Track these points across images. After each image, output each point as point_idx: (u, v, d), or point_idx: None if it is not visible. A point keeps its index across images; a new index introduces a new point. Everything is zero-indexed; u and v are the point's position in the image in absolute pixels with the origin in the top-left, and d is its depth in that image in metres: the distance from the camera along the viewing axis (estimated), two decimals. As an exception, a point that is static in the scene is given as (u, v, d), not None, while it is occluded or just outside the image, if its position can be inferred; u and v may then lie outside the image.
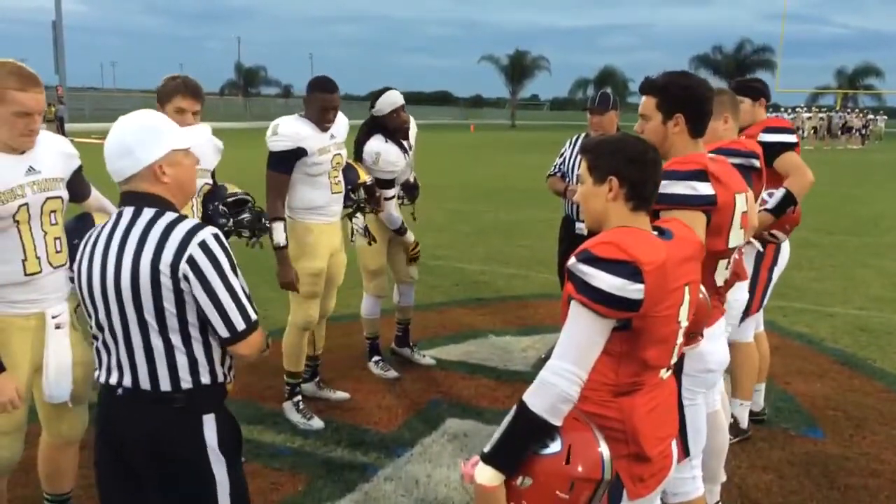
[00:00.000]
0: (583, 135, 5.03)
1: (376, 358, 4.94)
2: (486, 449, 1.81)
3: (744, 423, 4.00)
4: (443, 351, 5.38)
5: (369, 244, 4.59)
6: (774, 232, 3.73)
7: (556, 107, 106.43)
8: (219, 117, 41.71)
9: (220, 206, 3.51)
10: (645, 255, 1.75)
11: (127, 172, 1.98)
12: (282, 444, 3.90)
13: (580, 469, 1.73)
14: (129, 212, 1.99)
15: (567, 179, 4.96)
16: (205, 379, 2.00)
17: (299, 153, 3.90)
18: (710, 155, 2.52)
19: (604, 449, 1.77)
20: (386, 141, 4.57)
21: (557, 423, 1.74)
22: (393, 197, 4.68)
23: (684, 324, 1.92)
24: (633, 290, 1.72)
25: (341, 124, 4.16)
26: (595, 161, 1.94)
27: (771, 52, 57.54)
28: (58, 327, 2.73)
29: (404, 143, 4.66)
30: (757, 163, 3.05)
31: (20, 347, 2.64)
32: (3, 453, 2.67)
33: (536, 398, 1.76)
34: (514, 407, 1.80)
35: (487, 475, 1.79)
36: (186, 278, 1.90)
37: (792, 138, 3.78)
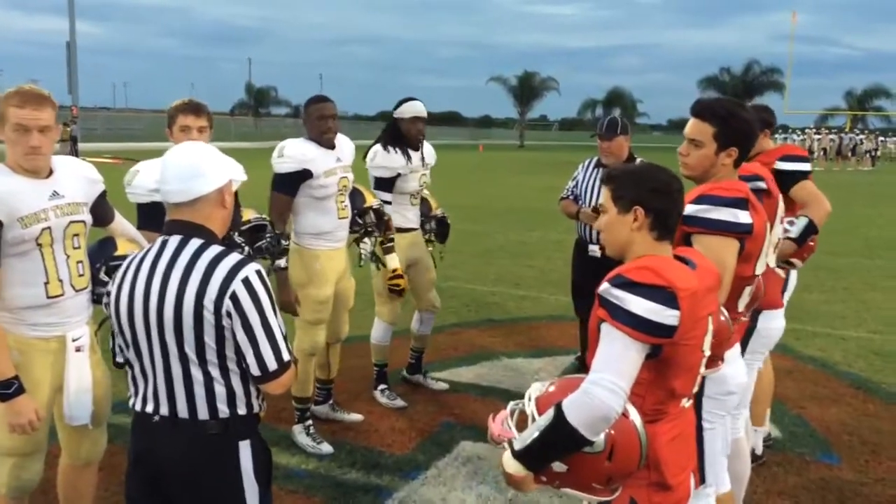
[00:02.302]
0: (595, 159, 5.05)
1: (382, 387, 4.86)
2: (517, 445, 1.81)
3: (759, 449, 3.98)
4: (455, 373, 5.38)
5: (377, 269, 4.58)
6: (793, 260, 3.74)
7: (564, 127, 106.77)
8: (230, 137, 42.04)
9: (235, 236, 3.51)
10: (680, 280, 1.77)
11: (196, 193, 2.01)
12: (296, 467, 3.91)
13: (621, 466, 1.74)
14: (175, 241, 2.02)
15: (580, 202, 4.99)
16: (241, 410, 2.03)
17: (305, 175, 3.91)
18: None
19: (642, 439, 1.77)
20: (394, 147, 4.54)
21: (594, 438, 1.74)
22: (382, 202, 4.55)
23: (707, 353, 1.93)
24: (668, 315, 1.74)
25: (347, 148, 4.19)
26: (619, 191, 1.95)
27: (779, 73, 57.55)
28: (78, 350, 2.76)
29: (413, 153, 4.62)
30: (763, 185, 3.07)
31: (41, 370, 2.67)
32: (24, 475, 2.69)
33: (575, 410, 1.73)
34: (552, 410, 1.78)
35: (515, 467, 1.81)
36: (229, 315, 1.93)
37: (807, 167, 3.79)
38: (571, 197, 5.09)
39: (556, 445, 1.76)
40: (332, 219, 4.08)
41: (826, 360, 5.90)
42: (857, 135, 41.93)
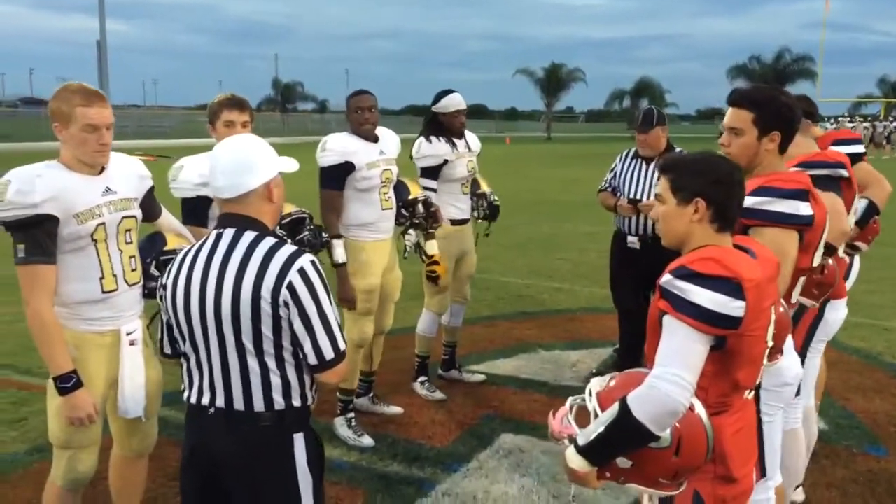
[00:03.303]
0: (632, 150, 5.03)
1: (422, 378, 4.87)
2: (581, 441, 1.80)
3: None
4: (492, 366, 5.38)
5: (422, 261, 4.59)
6: (857, 243, 3.68)
7: (591, 118, 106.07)
8: (257, 132, 42.10)
9: (277, 229, 3.53)
10: (746, 271, 1.75)
11: (246, 187, 2.03)
12: (339, 459, 3.94)
13: (688, 461, 1.73)
14: (229, 233, 2.05)
15: (618, 194, 4.96)
16: (296, 402, 2.05)
17: (348, 168, 3.95)
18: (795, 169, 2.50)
19: (709, 432, 1.76)
20: (437, 137, 4.56)
21: (660, 434, 1.72)
22: (427, 189, 4.56)
23: (770, 343, 1.91)
24: (735, 307, 1.72)
25: (391, 141, 4.22)
26: (679, 181, 1.93)
27: (811, 60, 56.64)
28: (132, 344, 2.80)
29: (457, 141, 4.63)
30: (845, 172, 3.00)
31: (96, 364, 2.71)
32: (80, 467, 2.74)
33: (641, 405, 1.72)
34: (617, 405, 1.77)
35: (579, 462, 1.80)
36: (286, 304, 1.95)
37: (861, 148, 3.73)
38: (610, 189, 5.06)
39: (622, 441, 1.75)
40: (376, 210, 4.10)
41: (869, 351, 5.82)
42: (892, 122, 41.11)
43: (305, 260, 2.00)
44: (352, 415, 4.24)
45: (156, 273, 2.95)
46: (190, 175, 3.26)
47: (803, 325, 3.00)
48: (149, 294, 2.93)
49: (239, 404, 2.03)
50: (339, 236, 3.97)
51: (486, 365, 5.38)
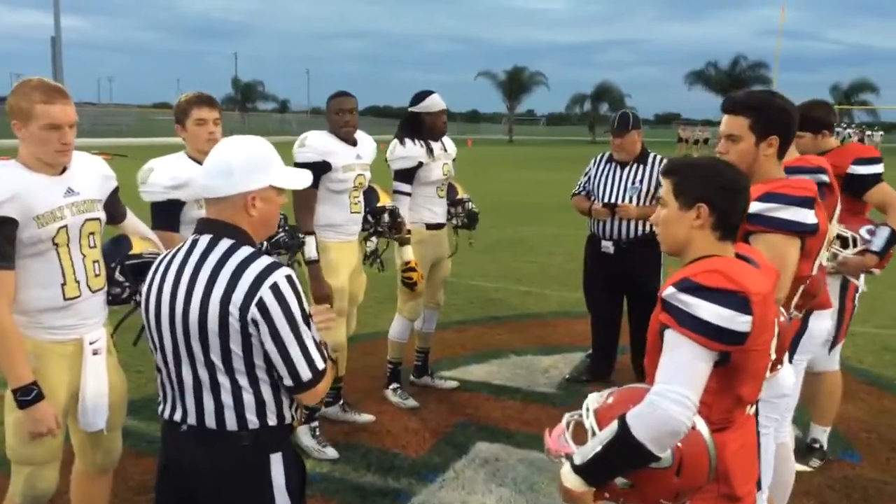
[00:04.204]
0: (606, 154, 4.99)
1: (395, 385, 4.75)
2: (578, 460, 1.72)
3: (826, 446, 4.01)
4: (465, 371, 5.30)
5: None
6: (874, 270, 3.68)
7: (552, 122, 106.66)
8: (217, 132, 41.52)
9: None
10: (752, 284, 1.68)
11: (219, 192, 1.90)
12: (311, 470, 3.77)
13: (690, 481, 1.66)
14: (204, 240, 1.91)
15: (592, 198, 4.92)
16: (271, 420, 1.93)
17: (325, 167, 3.89)
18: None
19: (711, 450, 1.69)
20: (412, 140, 4.44)
21: (661, 454, 1.65)
22: (400, 193, 4.47)
23: (773, 357, 1.85)
24: (741, 321, 1.65)
25: (368, 146, 4.17)
26: (683, 185, 1.86)
27: (766, 67, 57.81)
28: (95, 353, 2.66)
29: (433, 144, 4.51)
30: (825, 178, 2.99)
31: (57, 374, 2.56)
32: (41, 484, 2.57)
33: (641, 423, 1.64)
34: (616, 422, 1.69)
35: (575, 482, 1.72)
36: (255, 323, 1.82)
37: (881, 168, 3.70)
38: (584, 193, 5.01)
39: (621, 461, 1.68)
40: (345, 212, 4.04)
41: (836, 356, 5.85)
42: (845, 128, 42.17)
43: (280, 275, 1.85)
44: (316, 423, 4.10)
45: (120, 278, 2.80)
46: (160, 178, 3.13)
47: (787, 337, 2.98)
48: (113, 300, 2.79)
49: (211, 422, 1.90)
50: (311, 233, 3.87)
51: (459, 371, 5.29)
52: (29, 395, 2.40)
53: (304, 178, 2.05)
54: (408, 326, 4.73)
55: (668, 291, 1.74)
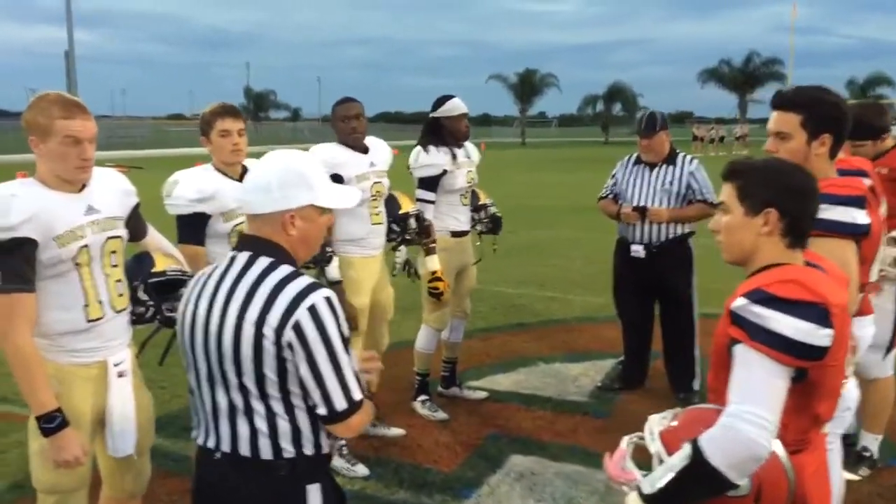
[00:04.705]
0: (634, 155, 4.86)
1: (423, 397, 4.62)
2: (647, 488, 1.59)
3: (876, 455, 3.86)
4: (493, 381, 5.18)
5: (412, 280, 4.38)
6: None
7: (563, 123, 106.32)
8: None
9: None
10: (832, 295, 1.55)
11: (256, 209, 1.80)
12: (342, 487, 3.69)
13: None
14: (242, 258, 1.81)
15: (620, 201, 4.79)
16: (308, 450, 1.81)
17: (336, 181, 3.72)
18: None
19: (790, 474, 1.57)
20: (436, 147, 4.32)
21: (740, 482, 1.52)
22: (424, 201, 4.35)
23: (847, 371, 1.72)
24: (822, 335, 1.52)
25: (383, 152, 4.02)
26: (749, 189, 1.73)
27: (780, 63, 57.36)
28: (121, 375, 2.56)
29: (457, 151, 4.39)
30: (868, 181, 2.86)
31: (82, 399, 2.46)
32: (67, 514, 2.48)
33: (717, 449, 1.51)
34: (688, 447, 1.56)
35: None
36: (290, 346, 1.70)
37: None
38: (611, 196, 4.89)
39: (695, 489, 1.55)
40: (366, 225, 3.91)
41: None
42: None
43: (319, 296, 1.73)
44: (343, 441, 3.99)
45: (144, 297, 2.71)
46: (185, 190, 3.04)
47: None
48: (137, 320, 2.69)
49: (245, 450, 1.79)
50: (333, 253, 3.76)
51: (487, 380, 5.17)
52: (52, 423, 2.30)
53: (350, 197, 1.94)
54: (435, 337, 4.61)
55: (738, 303, 1.61)
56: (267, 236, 1.81)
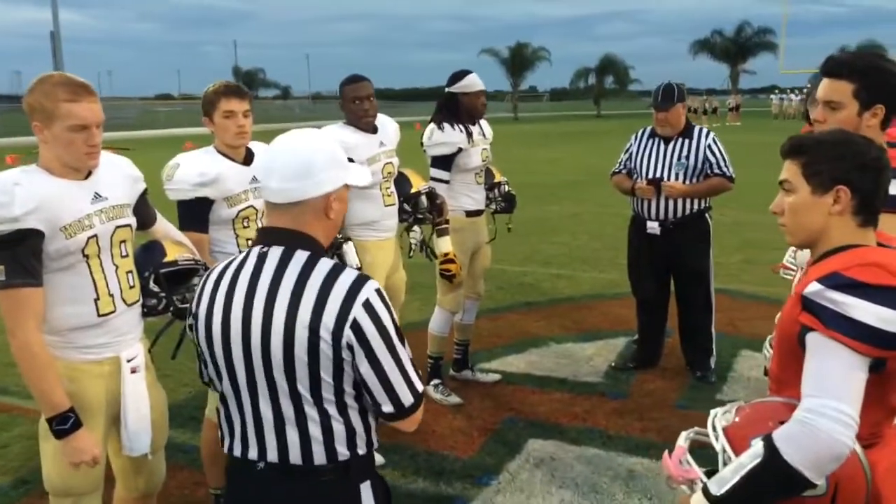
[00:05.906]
0: (648, 129, 4.73)
1: (436, 381, 4.51)
2: (716, 489, 1.49)
3: None
4: (505, 363, 5.08)
5: (430, 260, 4.26)
6: None
7: (555, 97, 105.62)
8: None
9: None
10: None
11: (299, 196, 1.65)
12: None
13: None
14: (276, 252, 1.67)
15: (634, 176, 4.67)
16: (361, 450, 1.71)
17: None
18: None
19: (867, 472, 1.47)
20: (450, 124, 4.19)
21: (819, 481, 1.42)
22: (438, 180, 4.24)
23: None
24: None
25: (390, 129, 3.88)
26: (816, 166, 1.60)
27: (772, 33, 57.05)
28: (134, 371, 2.44)
29: (472, 128, 4.26)
30: None
31: (95, 397, 2.35)
32: (82, 517, 2.37)
33: (795, 447, 1.41)
34: (761, 445, 1.45)
35: None
36: (350, 348, 1.59)
37: None
38: (625, 171, 4.76)
39: (769, 490, 1.44)
40: (379, 207, 3.79)
41: None
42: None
43: (370, 289, 1.62)
44: None
45: (155, 288, 2.58)
46: (187, 174, 2.89)
47: None
48: (148, 312, 2.57)
49: (296, 458, 1.67)
50: (348, 239, 3.63)
51: (498, 362, 5.08)
52: (66, 424, 2.18)
53: (365, 174, 1.83)
54: (449, 319, 4.49)
55: (812, 288, 1.49)
56: (299, 227, 1.67)
